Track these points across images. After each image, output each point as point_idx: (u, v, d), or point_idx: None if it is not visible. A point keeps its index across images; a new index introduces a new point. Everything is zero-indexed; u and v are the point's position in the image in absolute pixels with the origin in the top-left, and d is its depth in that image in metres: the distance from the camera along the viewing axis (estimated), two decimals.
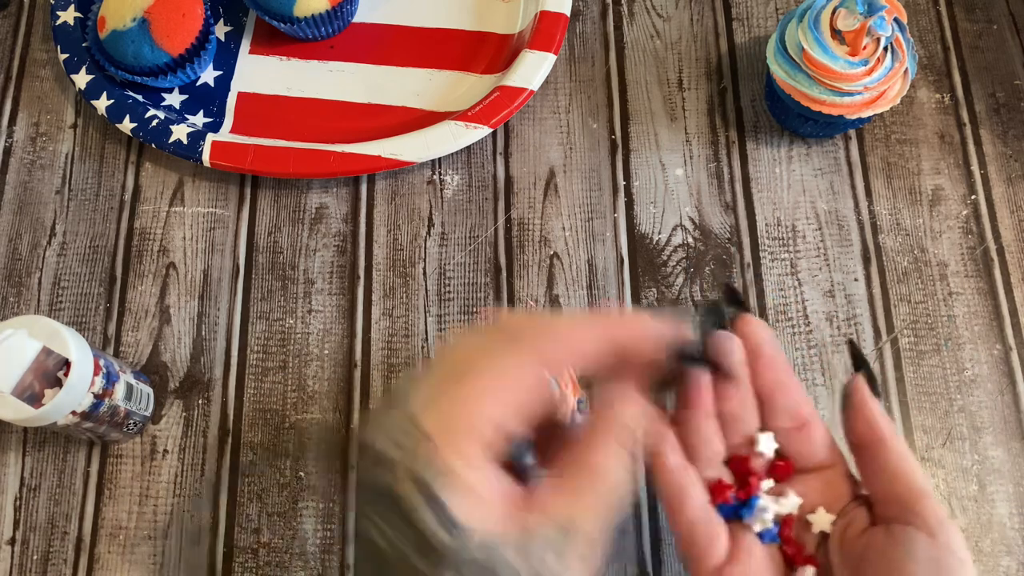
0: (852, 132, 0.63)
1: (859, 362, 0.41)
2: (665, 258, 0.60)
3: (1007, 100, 0.64)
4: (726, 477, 0.39)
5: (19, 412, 0.46)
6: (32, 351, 0.47)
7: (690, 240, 0.60)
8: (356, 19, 0.67)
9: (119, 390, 0.51)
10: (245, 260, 0.60)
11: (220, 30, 0.67)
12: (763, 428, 0.39)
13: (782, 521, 0.38)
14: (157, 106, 0.63)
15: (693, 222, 0.61)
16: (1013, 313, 0.58)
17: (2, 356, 0.46)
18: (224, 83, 0.65)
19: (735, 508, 0.38)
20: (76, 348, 0.47)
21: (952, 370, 0.57)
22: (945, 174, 0.62)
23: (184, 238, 0.61)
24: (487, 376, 0.31)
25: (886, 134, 0.63)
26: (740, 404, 0.39)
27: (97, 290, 0.59)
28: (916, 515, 0.35)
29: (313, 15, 0.62)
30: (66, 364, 0.47)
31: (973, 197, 0.61)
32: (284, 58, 0.66)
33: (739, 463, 0.39)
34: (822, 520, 0.38)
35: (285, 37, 0.66)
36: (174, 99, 0.64)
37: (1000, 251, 0.60)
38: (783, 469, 0.39)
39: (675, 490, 0.37)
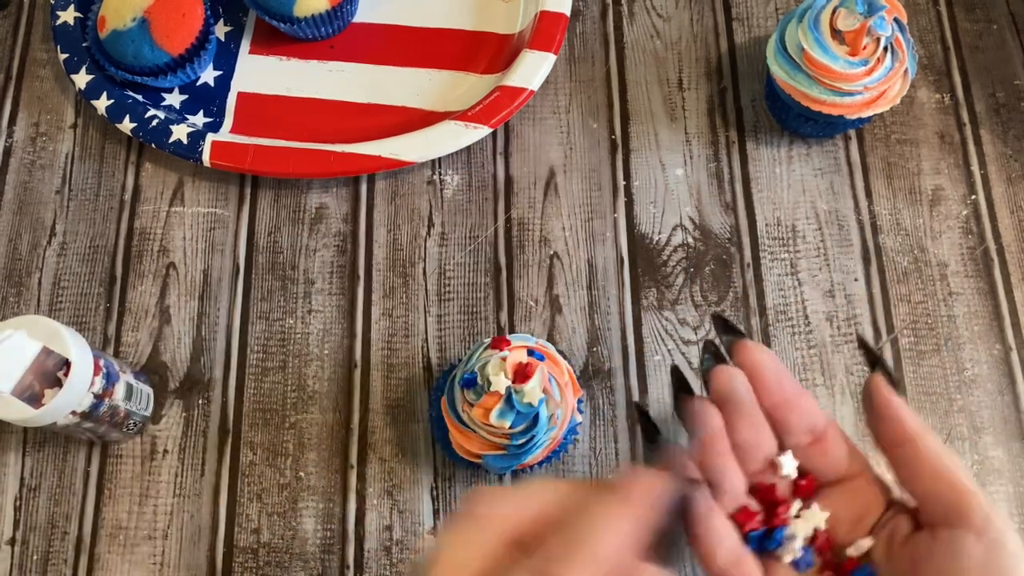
0: (852, 132, 0.63)
1: (873, 359, 0.39)
2: (665, 258, 0.60)
3: (1007, 100, 0.64)
4: (752, 505, 0.38)
5: (19, 412, 0.46)
6: (32, 351, 0.47)
7: (690, 240, 0.60)
8: (356, 19, 0.67)
9: (119, 390, 0.51)
10: (245, 260, 0.60)
11: (220, 30, 0.67)
12: (781, 448, 0.38)
13: (814, 539, 0.37)
14: (157, 106, 0.63)
15: (693, 222, 0.61)
16: (1013, 313, 0.58)
17: (2, 356, 0.46)
18: (224, 83, 0.65)
19: (763, 538, 0.37)
20: (76, 348, 0.47)
21: (952, 370, 0.57)
22: (945, 174, 0.62)
23: (184, 238, 0.61)
24: None
25: (886, 134, 0.63)
26: (754, 431, 0.38)
27: (97, 290, 0.59)
28: (960, 514, 0.34)
29: (313, 15, 0.62)
30: (66, 364, 0.47)
31: (973, 197, 0.61)
32: (284, 58, 0.66)
33: (763, 492, 0.38)
34: (863, 546, 0.37)
35: (285, 37, 0.66)
36: (174, 99, 0.64)
37: (1000, 251, 0.60)
38: (806, 487, 0.38)
39: (703, 539, 0.35)
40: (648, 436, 0.40)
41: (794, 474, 0.38)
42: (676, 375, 0.40)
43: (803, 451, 0.38)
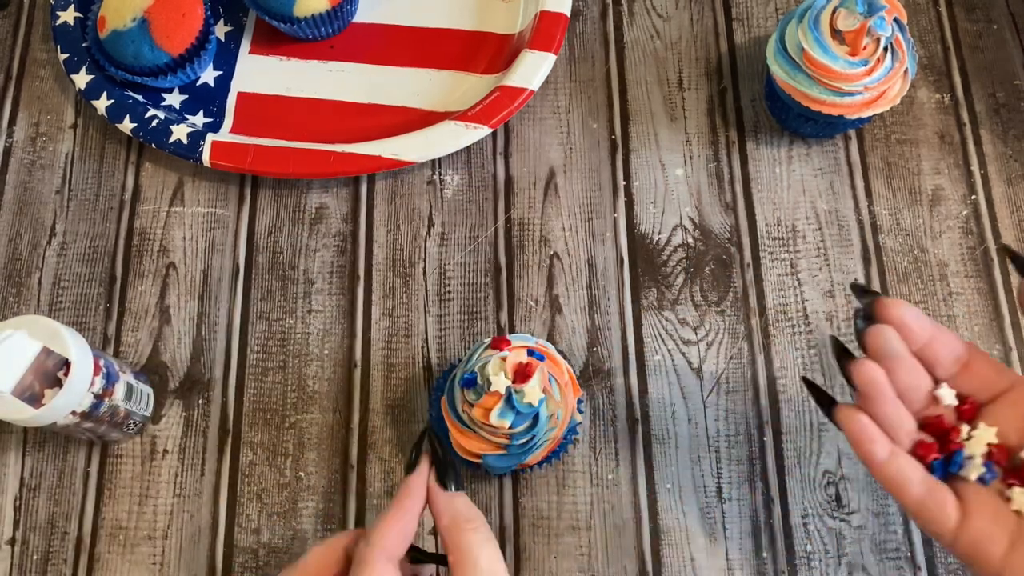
0: (852, 132, 0.63)
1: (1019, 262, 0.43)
2: (665, 258, 0.60)
3: (1007, 100, 0.64)
4: (926, 438, 0.42)
5: (19, 412, 0.46)
6: (32, 351, 0.47)
7: (690, 240, 0.60)
8: (356, 19, 0.67)
9: (119, 390, 0.51)
10: (245, 260, 0.60)
11: (220, 30, 0.67)
12: (937, 383, 0.42)
13: (990, 453, 0.41)
14: (157, 106, 0.63)
15: (693, 222, 0.61)
16: (1013, 313, 0.58)
17: (2, 356, 0.46)
18: (224, 83, 0.65)
19: (945, 464, 0.41)
20: (76, 348, 0.47)
21: None
22: (945, 174, 0.62)
23: (184, 238, 0.61)
24: None
25: (886, 134, 0.63)
26: (912, 374, 0.42)
27: (97, 290, 0.59)
28: None
29: (313, 15, 0.62)
30: (66, 364, 0.47)
31: (973, 197, 0.61)
32: (284, 58, 0.66)
33: (933, 425, 0.42)
34: None
35: (285, 37, 0.66)
36: (174, 99, 0.64)
37: (1000, 251, 0.60)
38: (969, 410, 0.42)
39: (894, 479, 0.40)
40: (823, 404, 0.43)
41: (955, 402, 0.42)
42: (835, 343, 0.44)
43: (956, 379, 0.42)
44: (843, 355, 0.43)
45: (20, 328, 0.47)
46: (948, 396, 0.42)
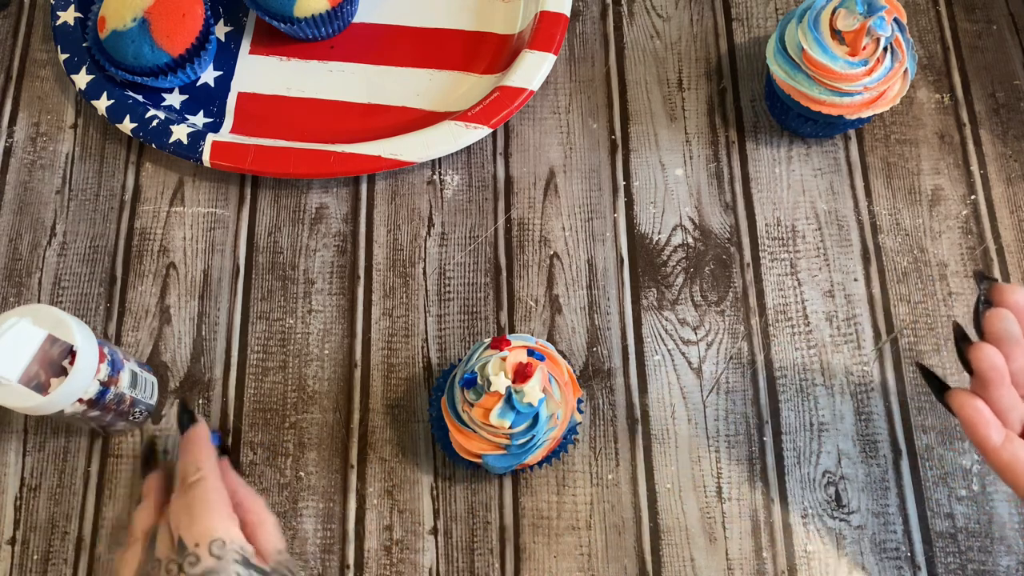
0: (852, 132, 0.63)
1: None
2: (665, 258, 0.60)
3: (1007, 100, 0.64)
4: None
5: (27, 400, 0.46)
6: (37, 339, 0.47)
7: (690, 240, 0.60)
8: (356, 19, 0.67)
9: (124, 378, 0.51)
10: (245, 260, 0.60)
11: (220, 30, 0.67)
12: None
13: None
14: (157, 106, 0.63)
15: (693, 222, 0.61)
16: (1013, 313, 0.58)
17: (8, 344, 0.46)
18: (224, 83, 0.65)
19: None
20: (80, 335, 0.47)
21: (952, 370, 0.57)
22: (945, 174, 0.62)
23: (184, 238, 0.61)
24: None
25: (886, 134, 0.63)
26: None
27: (97, 290, 0.59)
28: None
29: (313, 15, 0.62)
30: (71, 353, 0.47)
31: (973, 197, 0.61)
32: (284, 58, 0.66)
33: None
34: None
35: (285, 37, 0.66)
36: (174, 99, 0.64)
37: (1000, 251, 0.60)
38: None
39: (1009, 465, 0.40)
40: (936, 388, 0.44)
41: None
42: (957, 328, 0.44)
43: None
44: (963, 339, 0.43)
45: (24, 316, 0.47)
46: None
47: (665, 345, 0.57)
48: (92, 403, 0.49)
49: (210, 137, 0.60)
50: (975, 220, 0.61)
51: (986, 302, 0.44)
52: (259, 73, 0.65)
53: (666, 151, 0.63)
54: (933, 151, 0.62)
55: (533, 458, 0.49)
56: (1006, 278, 0.59)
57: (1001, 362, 0.41)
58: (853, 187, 0.61)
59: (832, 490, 0.54)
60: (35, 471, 0.55)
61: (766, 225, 0.61)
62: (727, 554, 0.53)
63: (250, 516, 0.44)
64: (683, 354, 0.57)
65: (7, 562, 0.53)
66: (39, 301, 0.59)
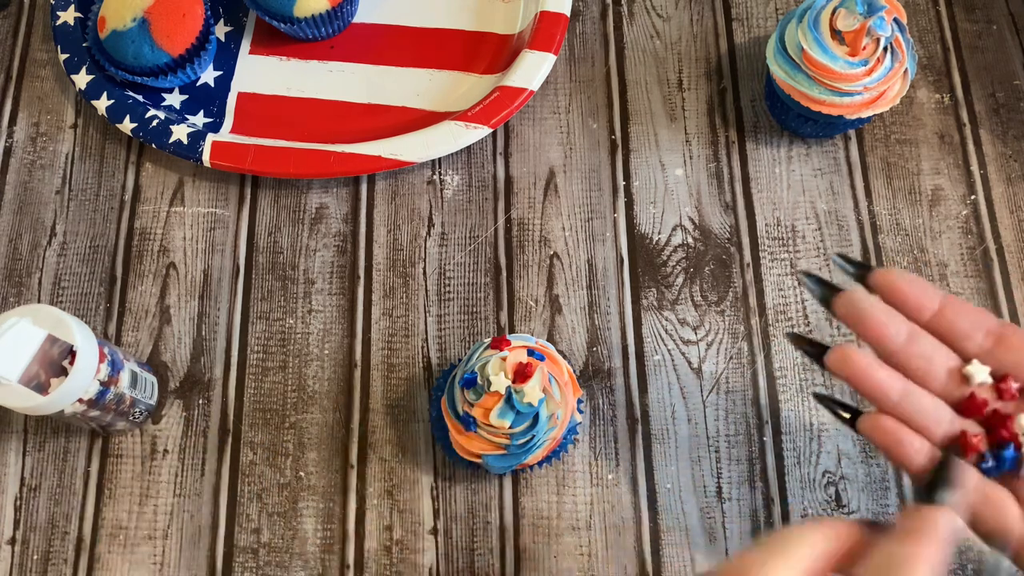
0: (852, 132, 0.63)
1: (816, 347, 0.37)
2: (665, 258, 0.60)
3: (1007, 100, 0.64)
4: (970, 427, 0.35)
5: (27, 400, 0.46)
6: (37, 339, 0.47)
7: (690, 240, 0.60)
8: (356, 19, 0.67)
9: (124, 378, 0.51)
10: (245, 260, 0.60)
11: (220, 30, 0.67)
12: (966, 361, 0.35)
13: None
14: (157, 106, 0.63)
15: (693, 222, 0.61)
16: (1013, 313, 0.58)
17: (8, 344, 0.46)
18: (224, 83, 0.65)
19: (996, 460, 0.34)
20: (80, 335, 0.47)
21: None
22: (945, 174, 0.62)
23: (184, 238, 0.61)
24: None
25: (886, 134, 0.63)
26: (929, 347, 0.34)
27: (97, 290, 0.59)
28: None
29: (313, 15, 0.62)
30: (71, 353, 0.47)
31: (973, 197, 0.61)
32: (284, 58, 0.66)
33: (972, 409, 0.35)
34: None
35: (285, 37, 0.66)
36: (174, 99, 0.64)
37: (1000, 251, 0.60)
38: (1007, 390, 0.34)
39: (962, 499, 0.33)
40: (847, 420, 0.38)
41: (988, 379, 0.34)
42: (795, 338, 0.38)
43: (989, 354, 0.34)
44: (815, 347, 0.37)
45: (24, 316, 0.47)
46: (980, 372, 0.35)
47: (665, 345, 0.57)
48: (92, 403, 0.49)
49: (210, 137, 0.60)
50: (975, 220, 0.61)
51: (827, 284, 0.37)
52: (259, 73, 0.65)
53: (666, 151, 0.63)
54: (933, 151, 0.62)
55: (533, 458, 0.49)
56: (1006, 278, 0.59)
57: (856, 354, 0.34)
58: (853, 187, 0.61)
59: (832, 490, 0.54)
60: (35, 471, 0.55)
61: (766, 225, 0.61)
62: (727, 554, 0.53)
63: None
64: (683, 354, 0.57)
65: (7, 562, 0.53)
66: (39, 301, 0.59)
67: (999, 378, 0.35)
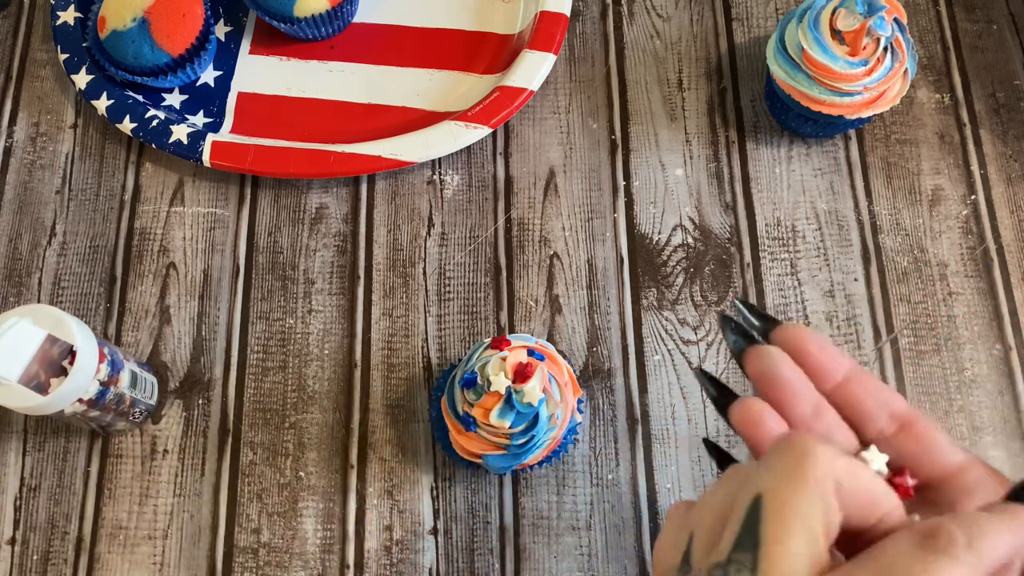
0: (852, 132, 0.63)
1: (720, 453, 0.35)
2: (665, 258, 0.60)
3: (1007, 100, 0.64)
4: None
5: (27, 400, 0.46)
6: (37, 339, 0.47)
7: (690, 240, 0.60)
8: (356, 19, 0.67)
9: (124, 378, 0.51)
10: (245, 260, 0.60)
11: (220, 30, 0.67)
12: (864, 444, 0.32)
13: None
14: (157, 106, 0.63)
15: (693, 222, 0.61)
16: (1013, 313, 0.58)
17: (8, 344, 0.46)
18: (224, 83, 0.65)
19: None
20: (80, 335, 0.47)
21: (952, 370, 0.57)
22: (945, 174, 0.62)
23: (184, 238, 0.61)
24: None
25: (886, 134, 0.63)
26: (831, 426, 0.31)
27: (97, 290, 0.59)
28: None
29: (313, 15, 0.62)
30: (71, 353, 0.47)
31: (973, 197, 0.61)
32: (284, 58, 0.66)
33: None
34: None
35: (285, 37, 0.66)
36: (174, 99, 0.64)
37: (1000, 251, 0.60)
38: (903, 486, 0.30)
39: None
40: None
41: (884, 470, 0.31)
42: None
43: (890, 442, 0.31)
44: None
45: (24, 316, 0.47)
46: (877, 460, 0.30)
47: (665, 345, 0.57)
48: (92, 403, 0.49)
49: (210, 137, 0.60)
50: (975, 220, 0.61)
51: (744, 335, 0.33)
52: (259, 73, 0.65)
53: (666, 151, 0.63)
54: (933, 151, 0.62)
55: (533, 458, 0.49)
56: (1006, 278, 0.59)
57: (766, 410, 0.30)
58: (853, 187, 0.61)
59: None
60: (35, 471, 0.55)
61: (766, 225, 0.60)
62: None
63: None
64: (683, 354, 0.57)
65: (7, 562, 0.53)
66: (39, 301, 0.59)
67: (896, 471, 0.31)
